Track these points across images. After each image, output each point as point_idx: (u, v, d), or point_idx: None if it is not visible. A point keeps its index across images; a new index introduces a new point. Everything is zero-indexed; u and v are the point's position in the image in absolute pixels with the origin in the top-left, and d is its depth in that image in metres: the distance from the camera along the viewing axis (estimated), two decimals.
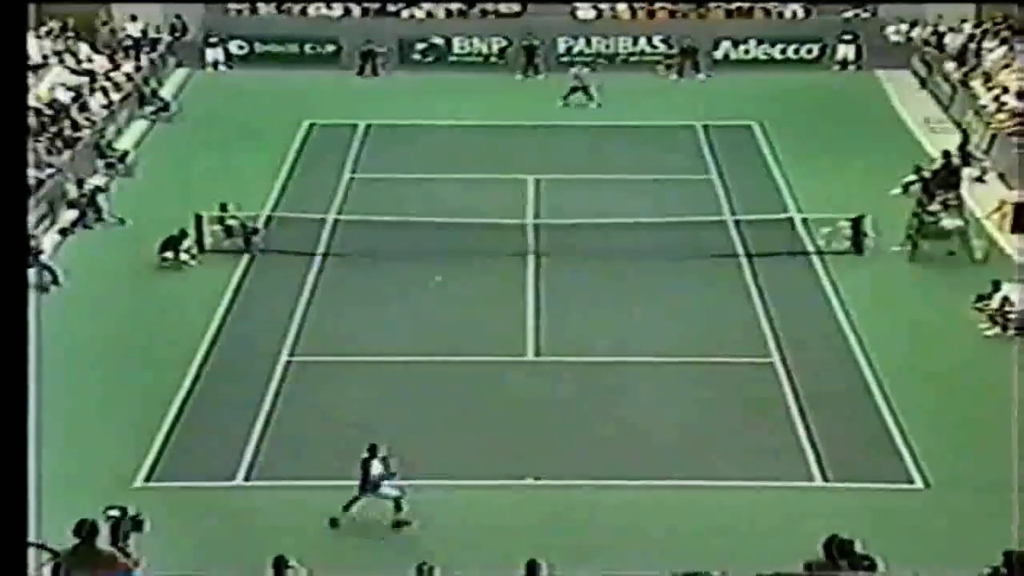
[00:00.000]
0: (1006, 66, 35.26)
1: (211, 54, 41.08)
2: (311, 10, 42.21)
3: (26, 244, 21.59)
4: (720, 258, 26.67)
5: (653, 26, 41.61)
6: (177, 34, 41.28)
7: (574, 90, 37.26)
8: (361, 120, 35.51)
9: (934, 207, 26.62)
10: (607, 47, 41.31)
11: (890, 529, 17.12)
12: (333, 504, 18.12)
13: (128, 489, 18.35)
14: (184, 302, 24.86)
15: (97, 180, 30.13)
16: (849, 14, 41.81)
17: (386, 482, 17.67)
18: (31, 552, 12.39)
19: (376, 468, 17.62)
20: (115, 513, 14.79)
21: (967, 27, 39.64)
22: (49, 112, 31.31)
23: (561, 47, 41.20)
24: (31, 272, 23.61)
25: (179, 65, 40.88)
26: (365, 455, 17.71)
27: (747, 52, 41.46)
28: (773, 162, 32.52)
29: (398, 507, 17.69)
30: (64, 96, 32.75)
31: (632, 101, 37.51)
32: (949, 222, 26.53)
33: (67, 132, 31.10)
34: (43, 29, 36.72)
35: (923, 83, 39.10)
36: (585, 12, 42.06)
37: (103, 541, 14.12)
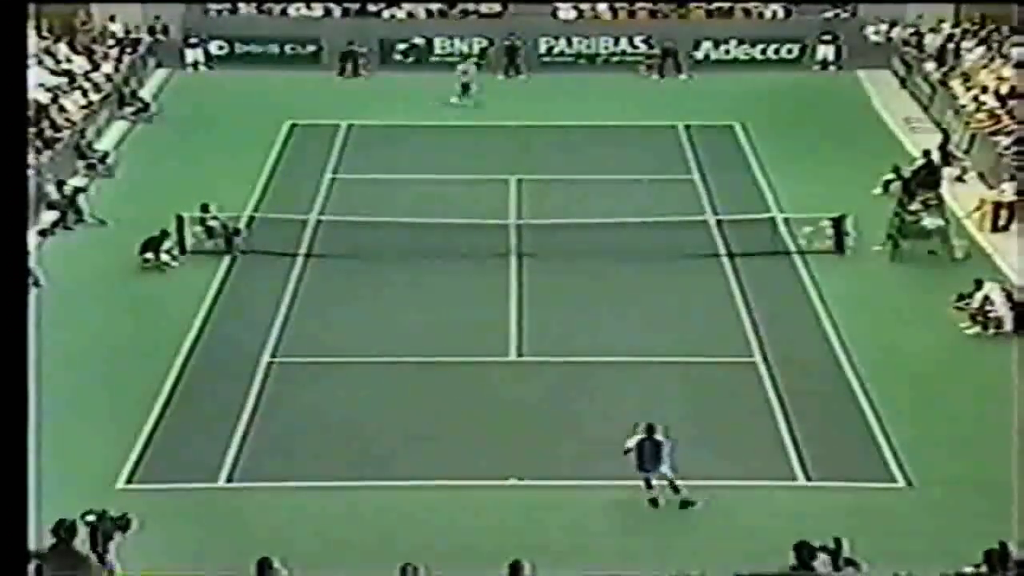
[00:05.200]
0: (985, 66, 35.44)
1: (191, 55, 41.01)
2: (292, 10, 42.23)
3: (26, 248, 21.32)
4: (702, 258, 26.71)
5: (634, 26, 41.75)
6: (157, 35, 41.15)
7: (465, 87, 37.26)
8: (342, 120, 35.48)
9: (915, 207, 26.71)
10: (588, 47, 41.42)
11: (872, 527, 17.17)
12: (320, 505, 18.10)
13: (111, 490, 18.33)
14: (165, 303, 24.78)
15: (77, 181, 30.02)
16: (829, 14, 41.99)
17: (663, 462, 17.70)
18: None
19: (654, 444, 17.64)
20: (92, 519, 14.77)
21: (946, 27, 39.85)
22: (28, 112, 31.14)
23: (543, 47, 41.30)
24: None
25: (159, 66, 40.79)
26: (642, 435, 17.78)
27: (728, 52, 41.61)
28: (755, 162, 32.59)
29: (675, 488, 17.85)
30: (43, 97, 32.61)
31: (614, 101, 37.58)
32: (930, 221, 26.63)
33: (47, 133, 30.97)
34: None
35: (903, 83, 39.27)
36: (566, 12, 42.14)
37: (81, 544, 14.08)
